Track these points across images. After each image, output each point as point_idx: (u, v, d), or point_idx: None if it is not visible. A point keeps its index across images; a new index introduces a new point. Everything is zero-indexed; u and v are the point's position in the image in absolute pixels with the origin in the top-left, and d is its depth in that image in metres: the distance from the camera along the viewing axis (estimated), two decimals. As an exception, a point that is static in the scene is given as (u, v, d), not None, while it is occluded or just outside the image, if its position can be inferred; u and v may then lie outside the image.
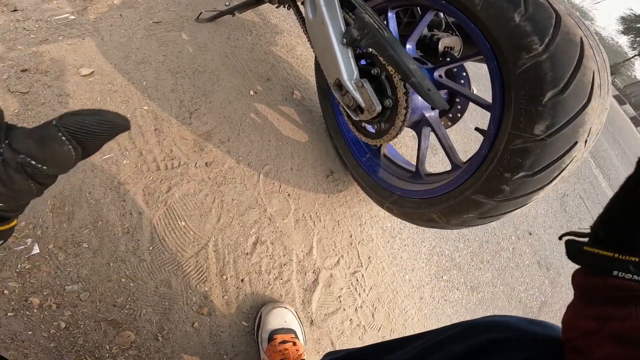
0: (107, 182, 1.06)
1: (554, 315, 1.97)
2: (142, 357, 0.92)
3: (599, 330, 0.40)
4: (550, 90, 0.73)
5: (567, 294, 2.12)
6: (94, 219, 1.00)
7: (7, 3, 1.30)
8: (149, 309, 0.97)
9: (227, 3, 1.54)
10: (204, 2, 1.76)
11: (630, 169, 0.41)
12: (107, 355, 0.89)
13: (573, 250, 0.44)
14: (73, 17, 1.37)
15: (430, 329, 1.46)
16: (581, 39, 0.74)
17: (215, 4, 1.79)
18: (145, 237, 1.03)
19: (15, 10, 1.30)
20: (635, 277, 0.38)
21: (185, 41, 1.53)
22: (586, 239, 0.43)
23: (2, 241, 0.37)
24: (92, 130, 0.35)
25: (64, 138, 0.34)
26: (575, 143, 0.76)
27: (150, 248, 1.03)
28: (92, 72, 1.24)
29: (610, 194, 4.24)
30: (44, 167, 0.35)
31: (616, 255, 0.39)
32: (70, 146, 0.35)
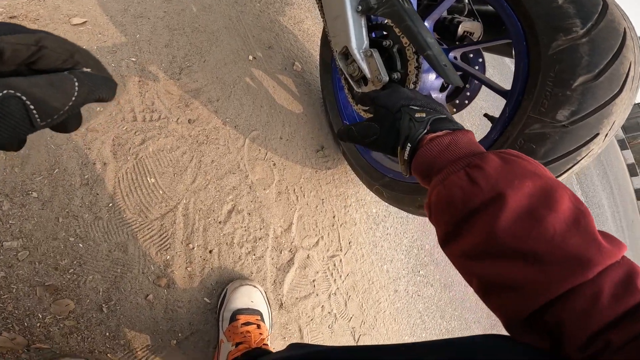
0: (74, 127, 0.89)
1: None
2: (81, 328, 0.76)
3: None
4: (583, 75, 0.63)
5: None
6: (50, 165, 0.82)
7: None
8: (96, 275, 0.80)
9: None
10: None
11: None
12: (39, 324, 0.73)
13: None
14: (79, -36, 1.19)
15: (401, 324, 1.33)
16: (625, 29, 0.65)
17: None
18: (106, 191, 0.87)
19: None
20: None
21: (191, 0, 1.35)
22: None
23: None
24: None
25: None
26: (597, 134, 0.66)
27: (110, 205, 0.86)
28: (85, 22, 1.06)
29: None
30: None
31: None
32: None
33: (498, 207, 0.37)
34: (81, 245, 0.81)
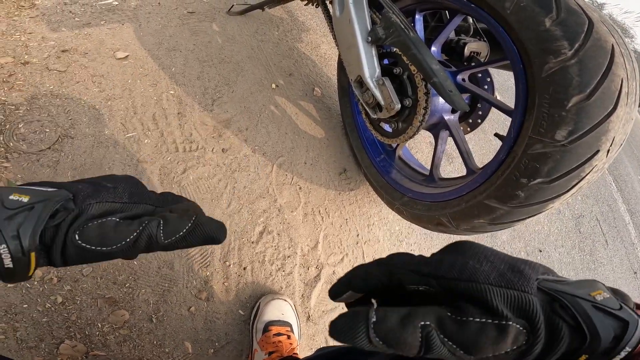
0: (127, 159, 1.05)
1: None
2: (133, 337, 0.89)
3: None
4: (575, 95, 0.68)
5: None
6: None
7: (57, -13, 1.32)
8: (147, 289, 0.94)
9: None
10: (237, -5, 1.75)
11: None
12: (98, 333, 0.86)
13: None
14: (116, 3, 1.38)
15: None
16: (612, 46, 0.68)
17: (247, -2, 1.77)
18: (154, 216, 1.01)
19: (64, -7, 1.31)
20: None
21: (215, 32, 1.52)
22: None
23: None
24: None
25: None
26: (597, 151, 0.70)
27: (159, 227, 1.01)
28: (127, 56, 1.24)
29: (627, 219, 4.02)
30: None
31: None
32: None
33: None
34: (135, 263, 0.95)
